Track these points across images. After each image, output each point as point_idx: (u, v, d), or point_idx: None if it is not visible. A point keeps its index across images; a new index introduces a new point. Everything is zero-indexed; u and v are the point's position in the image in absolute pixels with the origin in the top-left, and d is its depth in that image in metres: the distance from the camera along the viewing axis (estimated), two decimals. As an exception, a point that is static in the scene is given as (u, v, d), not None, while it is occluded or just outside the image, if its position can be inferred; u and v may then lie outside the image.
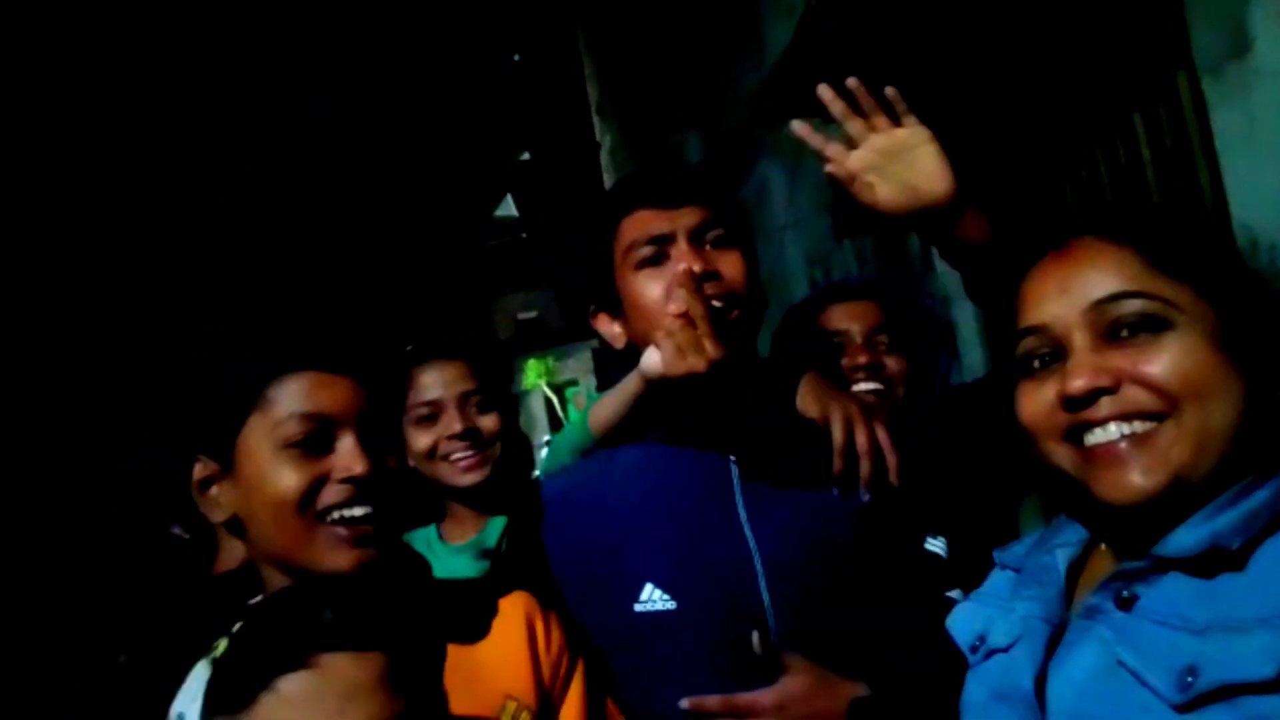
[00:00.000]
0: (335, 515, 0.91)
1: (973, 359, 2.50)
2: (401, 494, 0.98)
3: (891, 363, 1.52)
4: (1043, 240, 0.84)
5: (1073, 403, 0.77)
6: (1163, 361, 0.75)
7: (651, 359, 1.06)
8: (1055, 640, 0.81)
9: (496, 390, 1.53)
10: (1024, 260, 0.85)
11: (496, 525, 1.52)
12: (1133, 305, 0.76)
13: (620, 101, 5.91)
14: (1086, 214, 0.86)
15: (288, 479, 0.91)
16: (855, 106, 1.13)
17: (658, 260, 1.09)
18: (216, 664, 0.78)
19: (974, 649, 0.89)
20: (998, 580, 0.94)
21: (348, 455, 0.91)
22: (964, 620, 0.93)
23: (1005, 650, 0.85)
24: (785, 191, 3.38)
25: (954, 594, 1.18)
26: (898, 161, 1.14)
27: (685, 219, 1.09)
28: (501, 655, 0.99)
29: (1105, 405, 0.76)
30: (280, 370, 0.94)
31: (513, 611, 1.02)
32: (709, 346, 1.02)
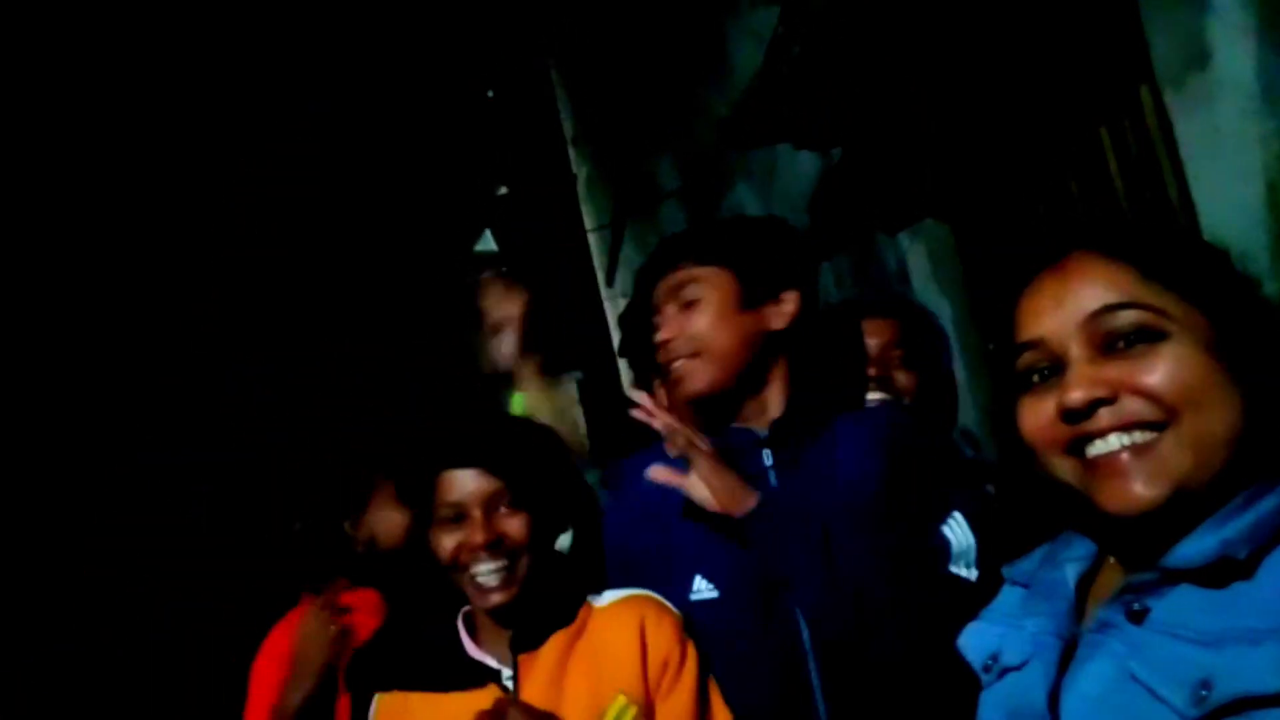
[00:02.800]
0: (471, 572, 1.26)
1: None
2: (540, 546, 1.28)
3: (901, 377, 1.63)
4: (1036, 259, 0.85)
5: (1072, 415, 0.77)
6: (1160, 371, 0.75)
7: (702, 494, 1.23)
8: (1068, 656, 0.80)
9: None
10: (1018, 279, 0.85)
11: None
12: (1127, 316, 0.77)
13: (595, 133, 5.95)
14: (1077, 231, 0.88)
15: (443, 545, 1.28)
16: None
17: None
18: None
19: (987, 669, 0.88)
20: (1008, 597, 0.93)
21: (472, 528, 1.26)
22: (976, 640, 0.91)
23: (1018, 668, 0.84)
24: (759, 214, 3.40)
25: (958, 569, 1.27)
26: None
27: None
28: (616, 651, 1.22)
29: (1104, 416, 0.76)
30: (438, 470, 1.32)
31: (628, 610, 1.25)
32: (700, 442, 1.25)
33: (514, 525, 1.28)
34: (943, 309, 2.52)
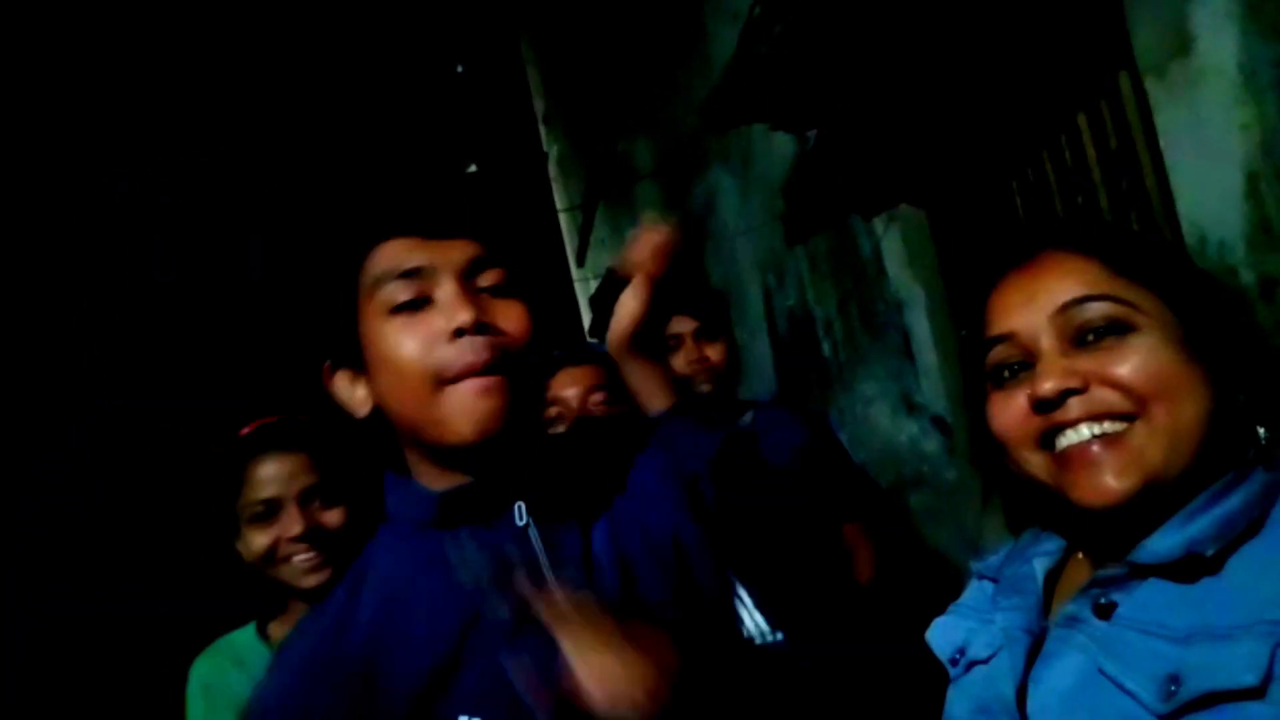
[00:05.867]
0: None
1: (927, 362, 2.51)
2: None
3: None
4: (1006, 256, 0.85)
5: (1043, 405, 0.78)
6: (1130, 362, 0.76)
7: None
8: (1036, 650, 0.80)
9: (342, 480, 1.39)
10: (988, 276, 0.86)
11: None
12: (1097, 308, 0.78)
13: (567, 110, 5.88)
14: (1046, 229, 0.89)
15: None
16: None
17: (418, 305, 0.85)
18: None
19: (954, 661, 0.89)
20: (975, 591, 0.94)
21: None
22: (943, 632, 0.92)
23: (986, 662, 0.85)
24: (736, 198, 3.38)
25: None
26: None
27: (453, 252, 0.86)
28: None
29: (1075, 406, 0.77)
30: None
31: None
32: None
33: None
34: (916, 294, 2.52)
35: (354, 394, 0.90)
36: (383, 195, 0.94)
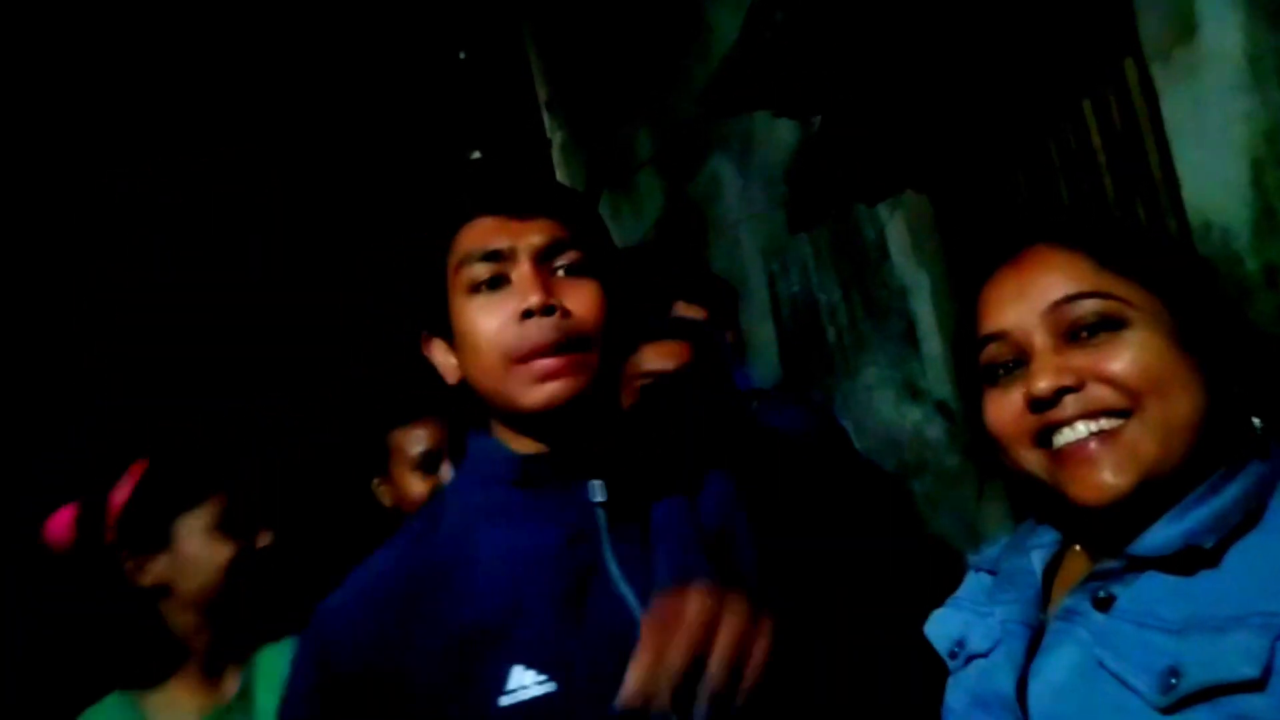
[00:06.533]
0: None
1: (931, 348, 2.50)
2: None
3: None
4: (995, 252, 0.85)
5: (1039, 404, 0.78)
6: (1124, 358, 0.76)
7: None
8: (1035, 643, 0.81)
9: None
10: (978, 273, 0.86)
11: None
12: (1089, 305, 0.78)
13: (570, 97, 5.86)
14: (1035, 224, 0.88)
15: (418, 488, 1.61)
16: None
17: (495, 284, 0.92)
18: None
19: (953, 655, 0.89)
20: (973, 584, 0.94)
21: (446, 470, 1.52)
22: (942, 626, 0.92)
23: (985, 655, 0.85)
24: (738, 185, 3.36)
25: None
26: None
27: (532, 235, 0.92)
28: None
29: (1071, 404, 0.77)
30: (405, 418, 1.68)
31: None
32: None
33: None
34: (920, 280, 2.51)
35: (447, 361, 0.98)
36: (471, 176, 1.01)
